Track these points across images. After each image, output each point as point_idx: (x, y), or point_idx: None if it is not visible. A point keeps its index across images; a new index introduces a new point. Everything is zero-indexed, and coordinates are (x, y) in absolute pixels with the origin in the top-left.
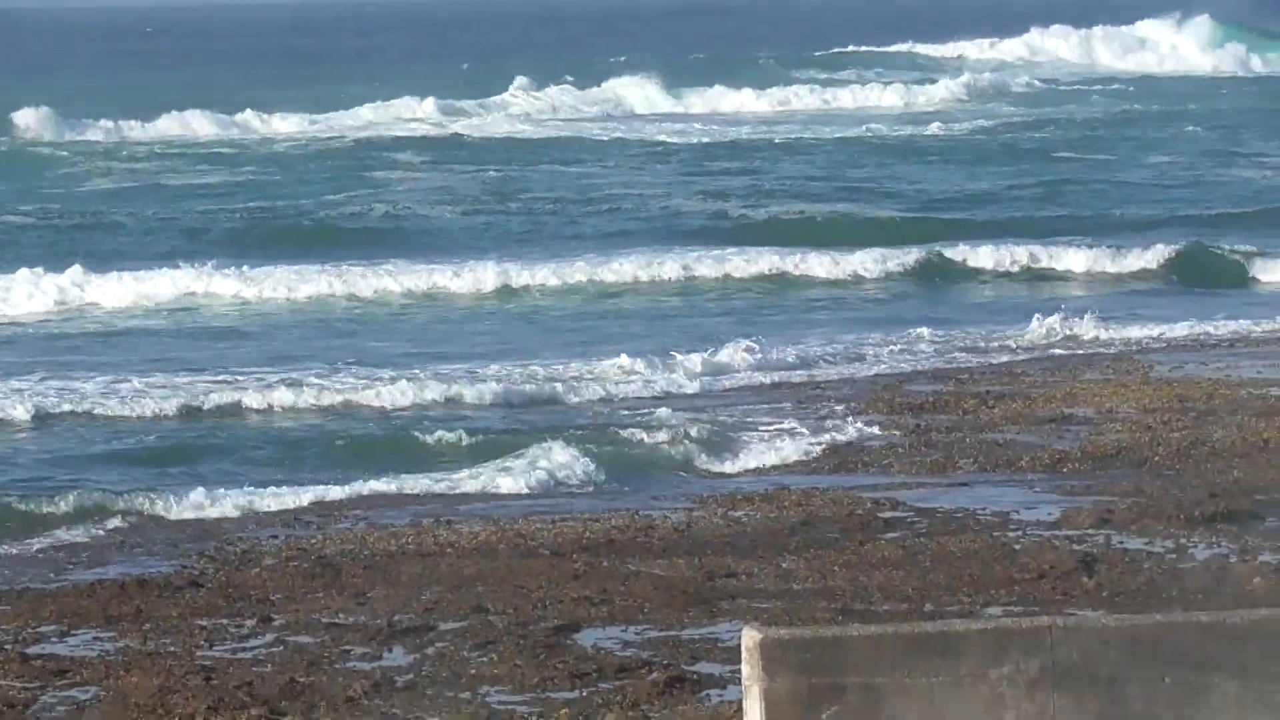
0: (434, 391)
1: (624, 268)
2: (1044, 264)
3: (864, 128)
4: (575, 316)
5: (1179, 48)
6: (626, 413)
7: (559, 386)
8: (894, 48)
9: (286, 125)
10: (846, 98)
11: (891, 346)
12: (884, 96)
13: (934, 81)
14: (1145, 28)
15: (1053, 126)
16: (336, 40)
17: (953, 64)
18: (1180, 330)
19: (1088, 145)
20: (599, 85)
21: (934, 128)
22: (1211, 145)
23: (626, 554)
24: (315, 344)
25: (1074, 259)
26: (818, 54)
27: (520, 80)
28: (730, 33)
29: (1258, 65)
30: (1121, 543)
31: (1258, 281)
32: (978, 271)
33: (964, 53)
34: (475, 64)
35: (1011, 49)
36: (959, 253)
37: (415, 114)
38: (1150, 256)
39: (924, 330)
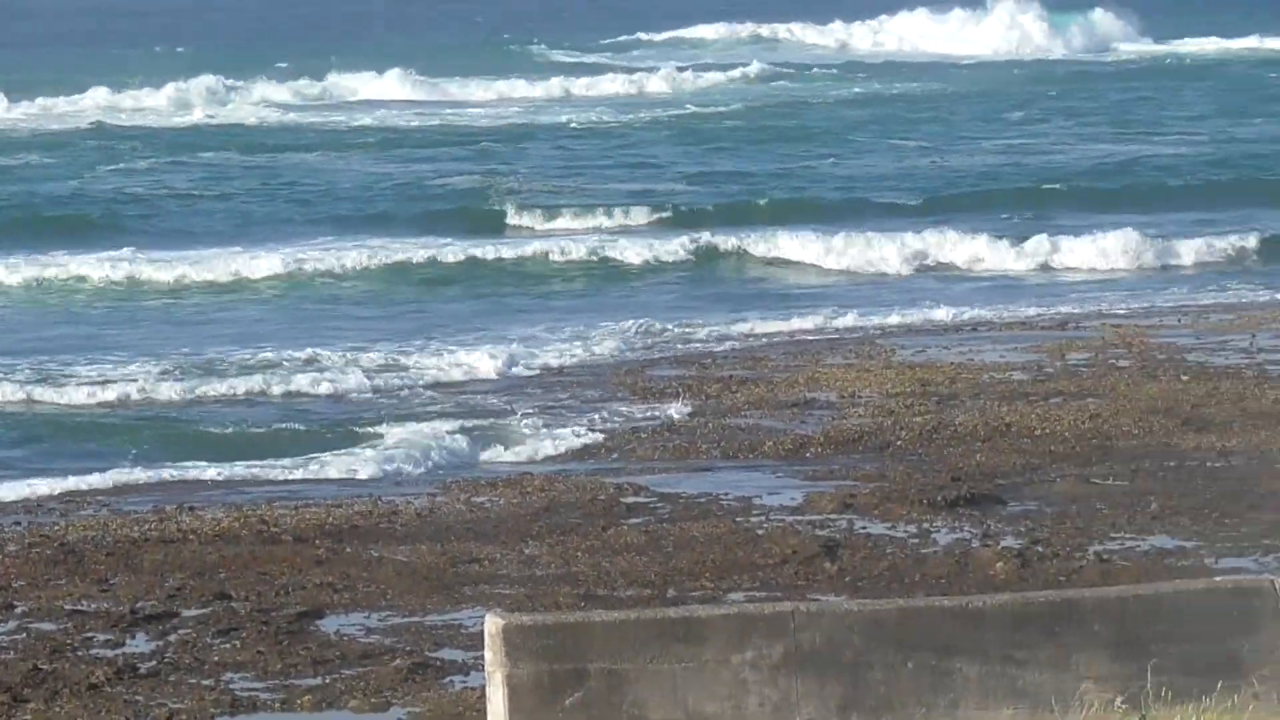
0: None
1: (355, 255)
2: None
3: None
4: (296, 305)
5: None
6: (389, 403)
7: (303, 378)
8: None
9: (13, 113)
10: (605, 85)
11: (630, 332)
12: (652, 82)
13: (703, 70)
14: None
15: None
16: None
17: (741, 50)
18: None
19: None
20: (339, 74)
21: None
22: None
23: (369, 540)
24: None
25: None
26: (608, 40)
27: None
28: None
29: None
30: (864, 528)
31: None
32: (727, 255)
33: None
34: (234, 48)
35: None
36: (719, 241)
37: (152, 103)
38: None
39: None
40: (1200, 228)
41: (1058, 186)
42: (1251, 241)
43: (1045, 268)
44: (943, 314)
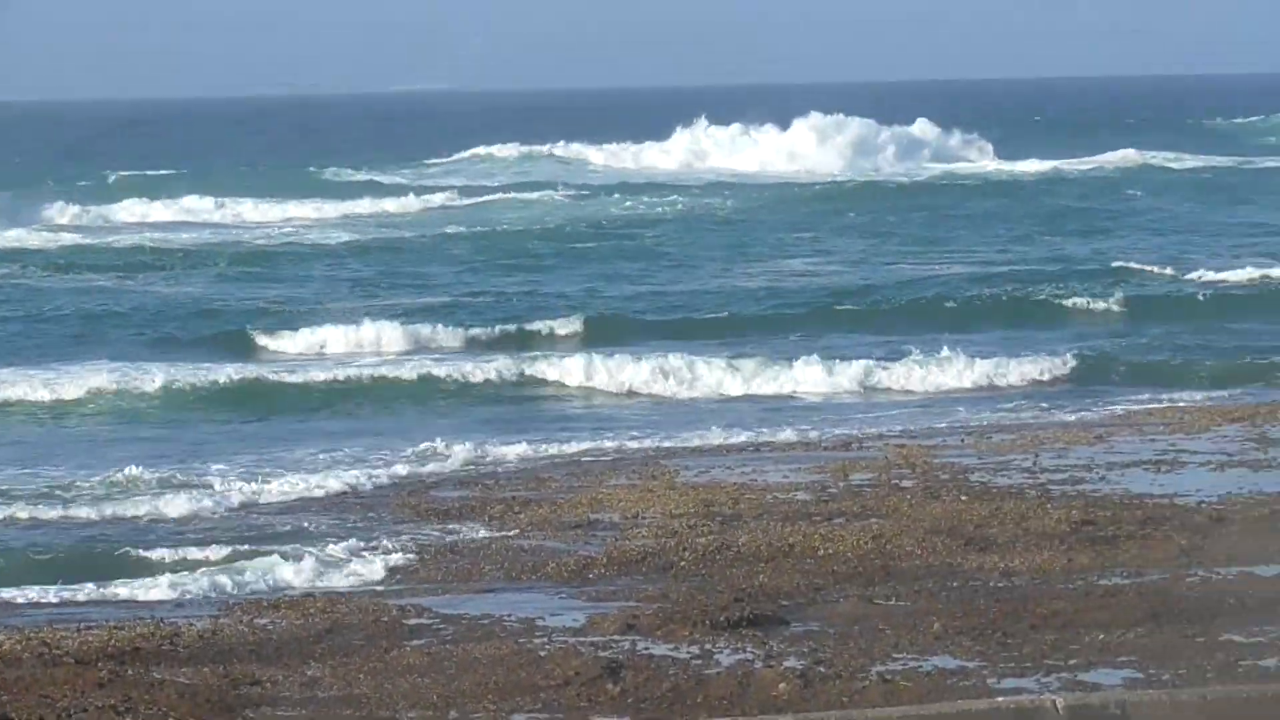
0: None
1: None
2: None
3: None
4: (75, 427)
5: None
6: (169, 525)
7: (84, 501)
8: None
9: None
10: (390, 204)
11: (411, 454)
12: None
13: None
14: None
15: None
16: None
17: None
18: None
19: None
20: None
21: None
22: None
23: (152, 662)
24: None
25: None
26: (434, 161)
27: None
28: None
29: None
30: (647, 648)
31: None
32: (511, 375)
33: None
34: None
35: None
36: (500, 364)
37: None
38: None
39: (447, 441)
40: (979, 347)
41: (850, 306)
42: (1034, 367)
43: (833, 389)
44: (723, 435)
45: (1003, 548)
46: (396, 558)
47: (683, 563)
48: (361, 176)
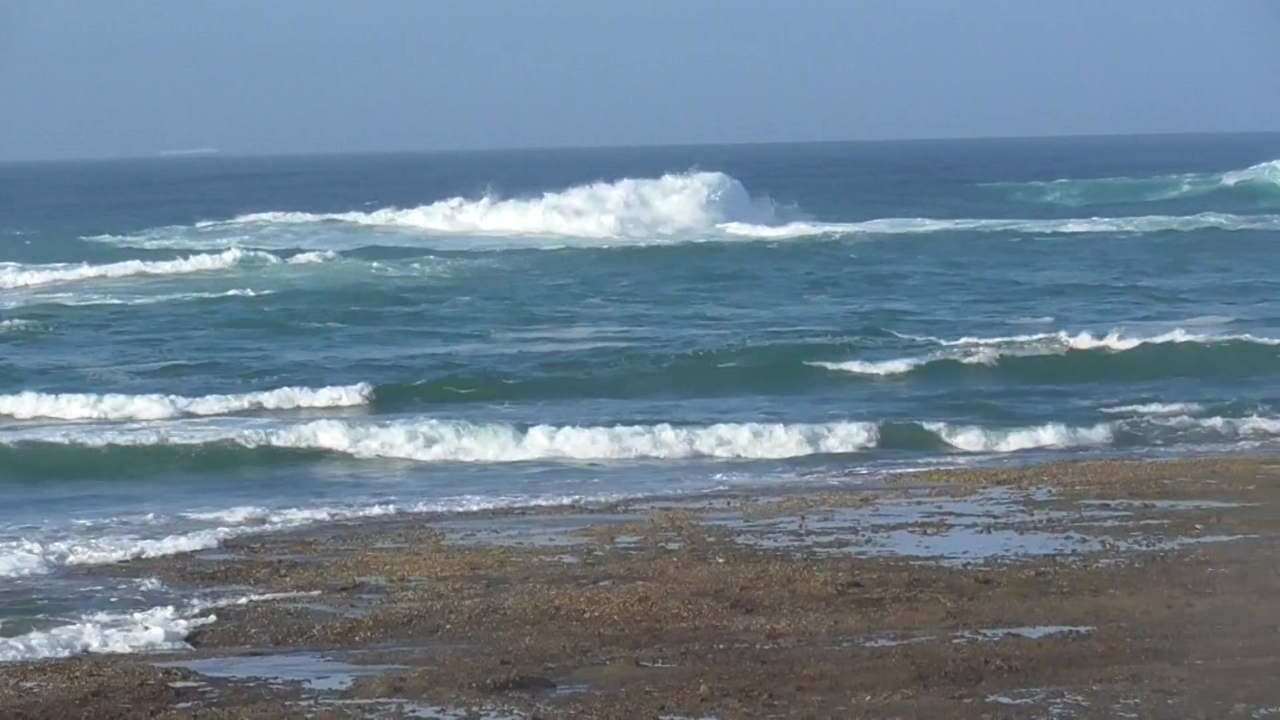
0: None
1: None
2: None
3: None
4: None
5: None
6: None
7: None
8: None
9: None
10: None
11: (175, 518)
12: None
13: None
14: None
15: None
16: None
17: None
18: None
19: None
20: None
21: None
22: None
23: None
24: None
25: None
26: (206, 224)
27: None
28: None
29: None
30: (413, 711)
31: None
32: (256, 443)
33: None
34: None
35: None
36: (248, 432)
37: None
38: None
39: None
40: (745, 414)
41: (630, 371)
42: (788, 433)
43: (602, 454)
44: (490, 499)
45: (769, 610)
46: (163, 621)
47: (449, 625)
48: (131, 241)
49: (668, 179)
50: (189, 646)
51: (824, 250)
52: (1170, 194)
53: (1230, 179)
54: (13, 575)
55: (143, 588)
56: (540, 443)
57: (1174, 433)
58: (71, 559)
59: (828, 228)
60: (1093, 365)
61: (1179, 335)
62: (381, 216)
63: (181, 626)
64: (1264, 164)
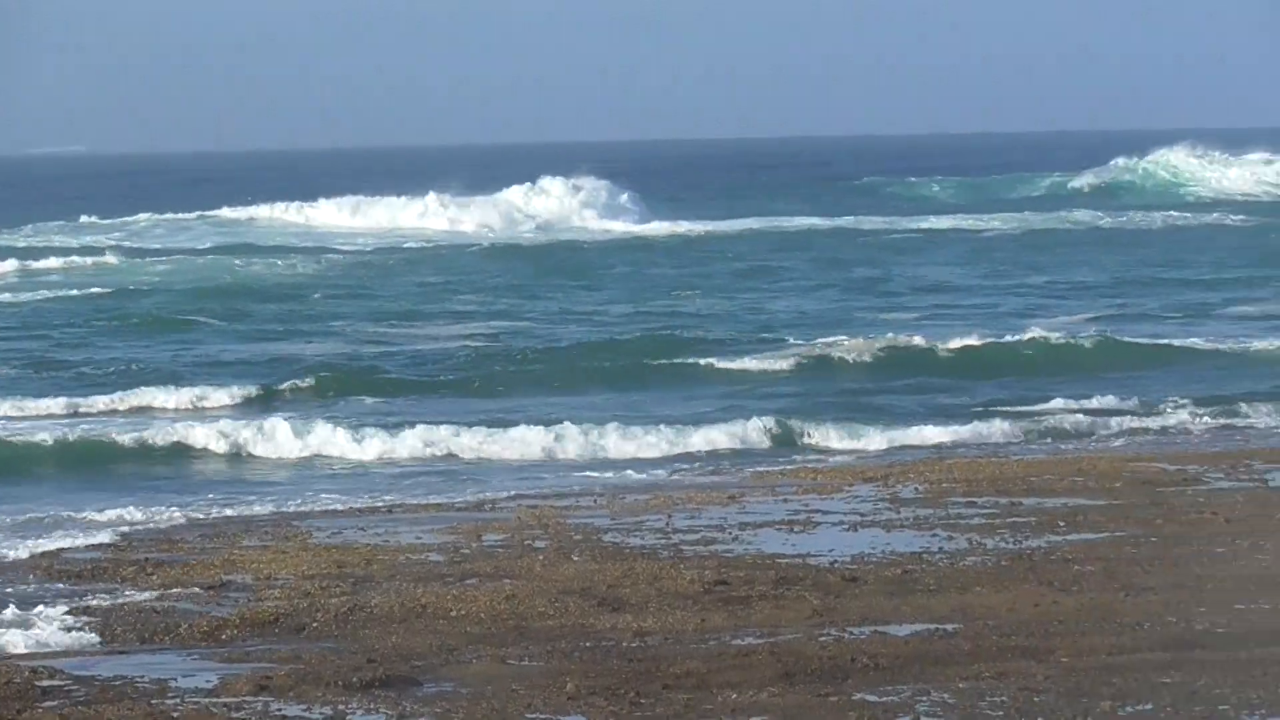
0: None
1: None
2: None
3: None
4: None
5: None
6: None
7: None
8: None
9: None
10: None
11: (41, 516)
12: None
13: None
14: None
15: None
16: None
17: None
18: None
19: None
20: None
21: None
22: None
23: None
24: None
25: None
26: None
27: None
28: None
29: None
30: (280, 709)
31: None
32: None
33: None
34: None
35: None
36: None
37: None
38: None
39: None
40: (613, 413)
41: (499, 369)
42: (655, 431)
43: (452, 454)
44: (355, 498)
45: (636, 608)
46: (29, 620)
47: (316, 624)
48: (6, 240)
49: (545, 179)
50: (55, 645)
51: (695, 247)
52: (1035, 193)
53: (1091, 178)
54: None
55: (8, 588)
56: (407, 441)
57: (1040, 430)
58: None
59: (703, 226)
60: (961, 363)
61: (1041, 332)
62: (257, 212)
63: (48, 626)
64: (1119, 159)
